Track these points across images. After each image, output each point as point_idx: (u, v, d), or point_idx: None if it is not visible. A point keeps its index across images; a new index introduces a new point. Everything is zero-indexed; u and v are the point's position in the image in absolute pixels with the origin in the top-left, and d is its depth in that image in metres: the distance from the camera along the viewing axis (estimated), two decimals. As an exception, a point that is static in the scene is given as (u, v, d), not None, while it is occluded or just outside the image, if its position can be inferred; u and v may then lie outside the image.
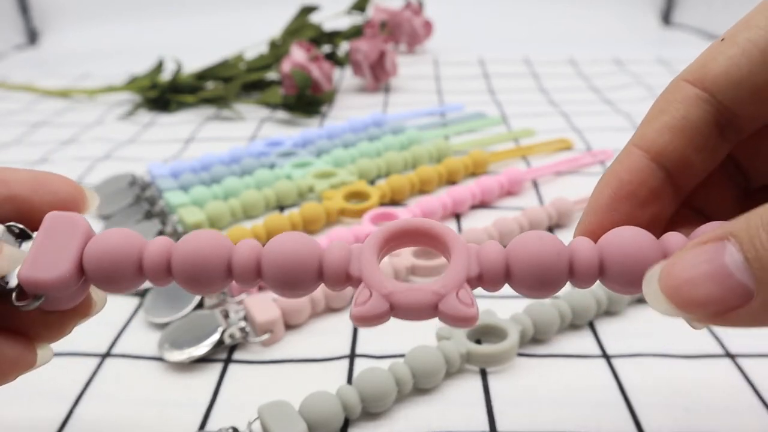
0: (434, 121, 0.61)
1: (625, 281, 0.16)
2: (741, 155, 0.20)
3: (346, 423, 0.26)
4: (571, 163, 0.49)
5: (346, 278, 0.17)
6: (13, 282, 0.16)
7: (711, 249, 0.13)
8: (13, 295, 0.16)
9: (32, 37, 1.02)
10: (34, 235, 0.17)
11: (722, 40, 0.17)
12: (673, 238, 0.16)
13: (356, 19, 0.78)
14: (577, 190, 0.44)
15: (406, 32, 0.86)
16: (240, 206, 0.42)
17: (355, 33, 0.75)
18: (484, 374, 0.28)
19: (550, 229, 0.41)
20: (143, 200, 0.44)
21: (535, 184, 0.47)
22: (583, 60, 0.83)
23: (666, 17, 1.03)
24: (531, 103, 0.67)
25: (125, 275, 0.17)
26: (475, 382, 0.28)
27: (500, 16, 1.05)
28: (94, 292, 0.19)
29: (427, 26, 0.87)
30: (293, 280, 0.17)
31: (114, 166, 0.53)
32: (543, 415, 0.26)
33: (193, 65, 0.72)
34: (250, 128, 0.62)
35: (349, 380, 0.28)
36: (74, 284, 0.17)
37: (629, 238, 0.16)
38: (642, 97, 0.68)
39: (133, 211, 0.43)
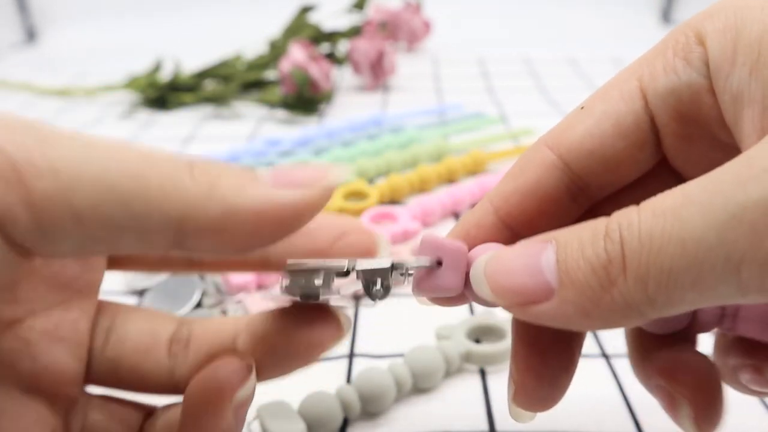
0: (433, 121, 0.60)
1: None
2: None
3: (345, 423, 0.26)
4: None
5: None
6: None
7: (535, 247, 0.14)
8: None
9: (31, 35, 1.02)
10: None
11: (582, 108, 0.18)
12: None
13: (355, 19, 0.78)
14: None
15: (405, 31, 0.86)
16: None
17: (354, 32, 0.75)
18: (483, 374, 0.28)
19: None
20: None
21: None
22: (583, 59, 0.82)
23: (666, 15, 1.03)
24: (530, 102, 0.67)
25: None
26: (474, 382, 0.28)
27: (499, 15, 1.05)
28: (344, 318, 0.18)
29: (426, 25, 0.87)
30: None
31: (112, 165, 0.53)
32: (543, 415, 0.26)
33: (192, 65, 0.72)
34: (249, 127, 0.61)
35: (349, 380, 0.28)
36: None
37: None
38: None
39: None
